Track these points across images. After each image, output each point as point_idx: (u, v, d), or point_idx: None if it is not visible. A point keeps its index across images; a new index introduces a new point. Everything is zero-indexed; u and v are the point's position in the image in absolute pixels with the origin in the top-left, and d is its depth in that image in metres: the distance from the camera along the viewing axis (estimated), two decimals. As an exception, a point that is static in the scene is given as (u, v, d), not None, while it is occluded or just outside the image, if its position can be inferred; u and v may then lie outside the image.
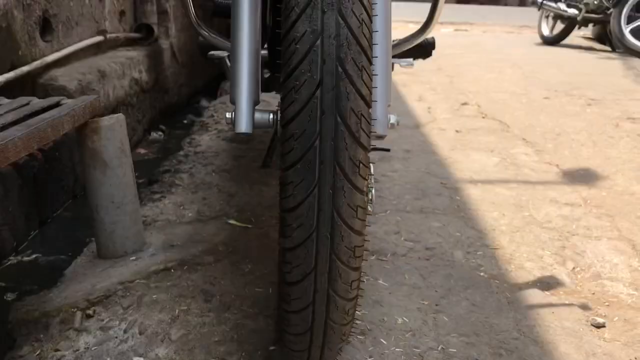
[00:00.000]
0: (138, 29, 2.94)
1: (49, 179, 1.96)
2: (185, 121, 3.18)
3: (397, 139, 2.50)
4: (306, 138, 0.76)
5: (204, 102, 3.62)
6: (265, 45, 1.48)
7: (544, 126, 2.77)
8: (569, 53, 5.38)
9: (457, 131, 2.67)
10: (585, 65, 4.62)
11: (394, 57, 1.74)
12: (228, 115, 1.01)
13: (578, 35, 6.48)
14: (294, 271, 0.81)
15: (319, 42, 0.76)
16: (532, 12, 6.72)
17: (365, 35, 0.78)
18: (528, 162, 2.28)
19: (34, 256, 1.69)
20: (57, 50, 2.15)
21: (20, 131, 1.10)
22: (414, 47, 1.52)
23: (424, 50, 1.84)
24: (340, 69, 0.76)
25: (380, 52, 0.99)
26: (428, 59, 1.93)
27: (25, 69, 1.89)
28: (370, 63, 0.80)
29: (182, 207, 1.76)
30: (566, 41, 6.01)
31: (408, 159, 2.27)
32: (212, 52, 1.68)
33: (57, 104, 1.36)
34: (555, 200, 1.90)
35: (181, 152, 2.31)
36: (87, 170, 1.41)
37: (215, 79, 4.03)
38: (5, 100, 1.37)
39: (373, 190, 0.98)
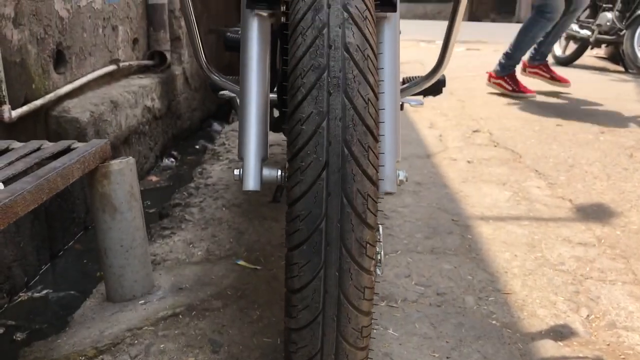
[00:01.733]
0: (151, 56, 2.96)
1: (61, 212, 1.97)
2: (197, 147, 3.19)
3: (408, 170, 2.49)
4: (312, 219, 0.75)
5: (216, 126, 3.63)
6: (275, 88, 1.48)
7: (556, 157, 2.75)
8: (582, 74, 5.34)
9: (468, 162, 2.66)
10: (598, 89, 4.58)
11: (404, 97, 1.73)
12: (236, 172, 1.01)
13: (591, 55, 6.44)
14: (300, 352, 0.80)
15: (324, 123, 0.76)
16: (544, 32, 6.67)
17: (371, 115, 0.77)
18: (540, 196, 2.26)
19: (44, 292, 1.70)
20: (70, 82, 2.16)
21: (30, 184, 1.10)
22: (424, 86, 1.51)
23: (434, 88, 1.82)
24: (346, 151, 0.75)
25: (388, 108, 0.99)
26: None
27: (38, 102, 1.90)
28: (377, 141, 0.79)
29: (191, 245, 1.76)
30: (579, 61, 5.97)
31: (419, 192, 2.25)
32: (222, 92, 1.70)
33: (68, 149, 1.37)
34: (568, 240, 1.88)
35: (192, 184, 2.32)
36: (97, 214, 1.41)
37: (227, 102, 4.05)
38: (17, 145, 1.38)
39: (382, 252, 0.97)
